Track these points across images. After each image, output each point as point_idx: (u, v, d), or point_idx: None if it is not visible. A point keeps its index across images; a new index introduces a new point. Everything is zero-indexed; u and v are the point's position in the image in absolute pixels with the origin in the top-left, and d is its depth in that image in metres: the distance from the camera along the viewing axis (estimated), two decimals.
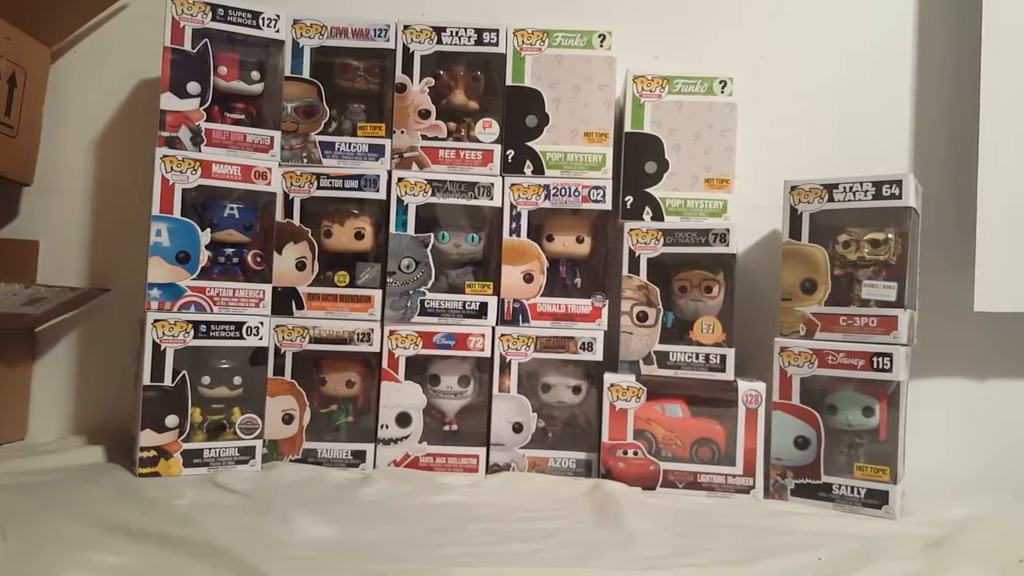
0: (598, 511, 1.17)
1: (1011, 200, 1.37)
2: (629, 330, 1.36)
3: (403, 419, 1.36)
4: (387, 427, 1.36)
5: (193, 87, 1.31)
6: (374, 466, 1.36)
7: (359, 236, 1.39)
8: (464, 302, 1.37)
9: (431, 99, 1.39)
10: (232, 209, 1.34)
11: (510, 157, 1.39)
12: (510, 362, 1.37)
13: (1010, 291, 1.38)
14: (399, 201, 1.37)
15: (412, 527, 1.07)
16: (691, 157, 1.38)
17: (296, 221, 1.37)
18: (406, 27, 1.39)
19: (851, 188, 1.27)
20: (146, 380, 1.26)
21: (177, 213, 1.29)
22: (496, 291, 1.38)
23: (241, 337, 1.32)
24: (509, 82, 1.39)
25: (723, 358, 1.32)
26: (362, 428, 1.38)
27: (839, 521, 1.19)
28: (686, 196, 1.38)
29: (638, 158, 1.39)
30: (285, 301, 1.36)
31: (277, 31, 1.37)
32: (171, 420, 1.27)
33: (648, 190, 1.39)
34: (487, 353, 1.37)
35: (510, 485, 1.30)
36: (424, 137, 1.39)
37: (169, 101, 1.30)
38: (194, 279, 1.29)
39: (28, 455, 1.33)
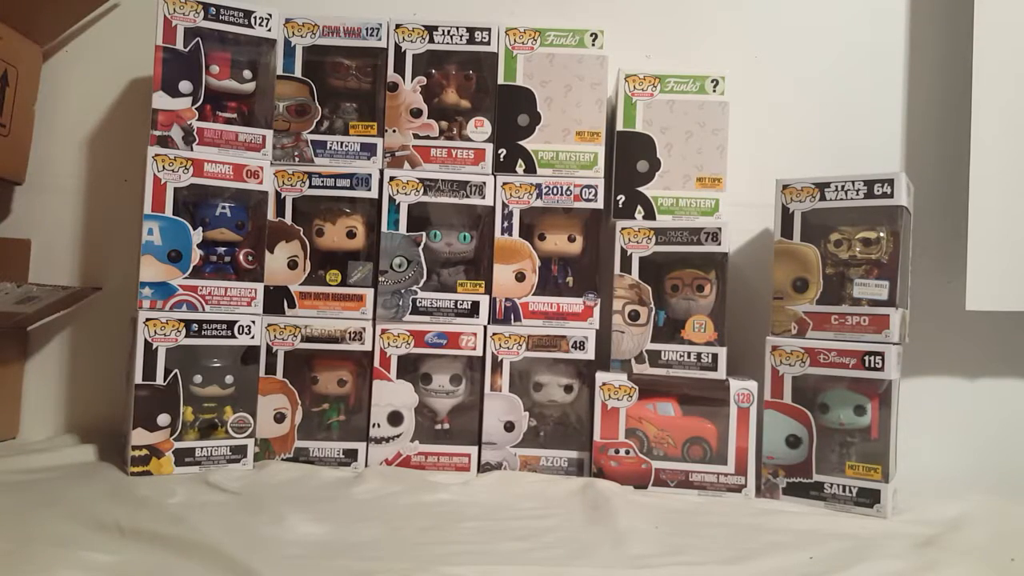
0: (590, 510, 1.17)
1: (1003, 199, 1.37)
2: (621, 329, 1.36)
3: (395, 418, 1.36)
4: (379, 426, 1.36)
5: (185, 86, 1.31)
6: (366, 465, 1.36)
7: (351, 235, 1.39)
8: (456, 301, 1.37)
9: (423, 98, 1.39)
10: (224, 208, 1.34)
11: (502, 156, 1.39)
12: (502, 361, 1.37)
13: (1002, 290, 1.38)
14: (391, 200, 1.37)
15: (404, 526, 1.07)
16: (683, 156, 1.38)
17: (288, 220, 1.37)
18: (398, 26, 1.39)
19: (843, 187, 1.27)
20: (138, 379, 1.26)
21: (169, 212, 1.28)
22: (488, 290, 1.38)
23: (233, 336, 1.31)
24: (501, 81, 1.39)
25: (715, 357, 1.33)
26: (354, 427, 1.38)
27: (831, 520, 1.19)
28: (678, 195, 1.38)
29: (630, 157, 1.39)
30: (277, 300, 1.36)
31: (269, 30, 1.36)
32: (163, 419, 1.27)
33: (640, 189, 1.38)
34: (479, 352, 1.37)
35: (502, 484, 1.30)
36: (416, 136, 1.39)
37: (161, 100, 1.30)
38: (186, 278, 1.29)
39: (20, 454, 1.33)
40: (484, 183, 1.38)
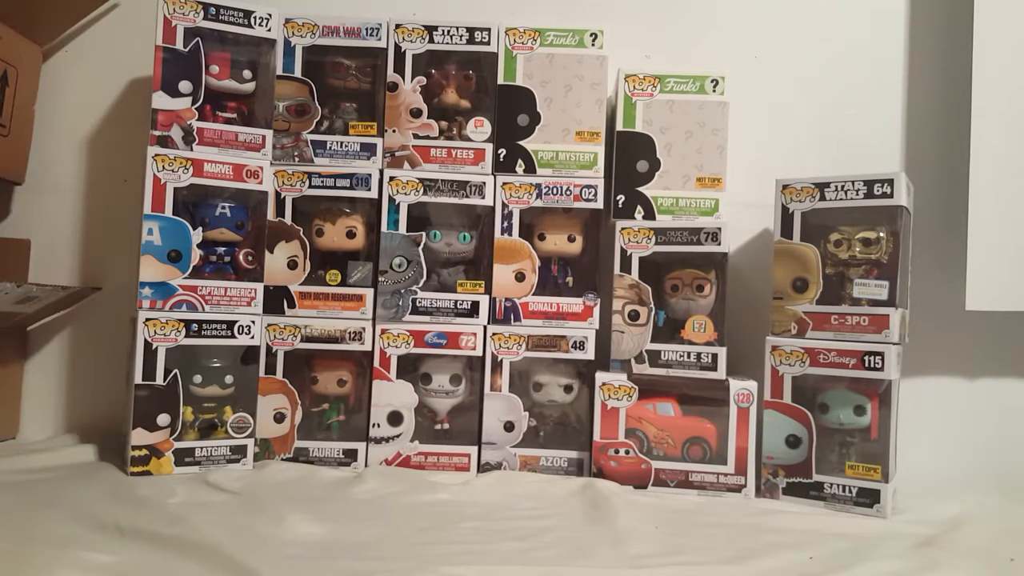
0: (589, 510, 1.17)
1: (1003, 199, 1.37)
2: (621, 329, 1.36)
3: (394, 418, 1.36)
4: (378, 426, 1.36)
5: (185, 86, 1.31)
6: (366, 465, 1.36)
7: (351, 235, 1.39)
8: (456, 301, 1.37)
9: (423, 98, 1.39)
10: (224, 208, 1.34)
11: (502, 156, 1.39)
12: (501, 361, 1.37)
13: (1001, 290, 1.38)
14: (391, 200, 1.37)
15: (403, 526, 1.07)
16: (683, 156, 1.38)
17: (288, 220, 1.37)
18: (398, 26, 1.39)
19: (843, 187, 1.27)
20: (138, 379, 1.26)
21: (169, 212, 1.28)
22: (488, 290, 1.38)
23: (233, 336, 1.31)
24: (501, 81, 1.39)
25: (715, 357, 1.32)
26: (354, 427, 1.38)
27: (830, 520, 1.19)
28: (678, 195, 1.38)
29: (630, 157, 1.39)
30: (277, 300, 1.36)
31: (269, 30, 1.36)
32: (163, 419, 1.27)
33: (640, 189, 1.38)
34: (479, 352, 1.37)
35: (501, 484, 1.30)
36: (416, 136, 1.39)
37: (161, 100, 1.30)
38: (186, 278, 1.29)
39: (20, 454, 1.33)
40: (484, 183, 1.37)
